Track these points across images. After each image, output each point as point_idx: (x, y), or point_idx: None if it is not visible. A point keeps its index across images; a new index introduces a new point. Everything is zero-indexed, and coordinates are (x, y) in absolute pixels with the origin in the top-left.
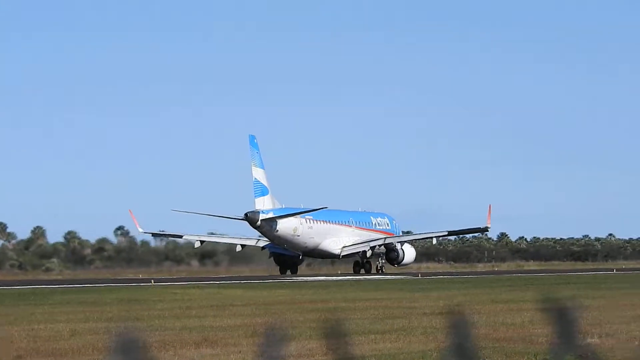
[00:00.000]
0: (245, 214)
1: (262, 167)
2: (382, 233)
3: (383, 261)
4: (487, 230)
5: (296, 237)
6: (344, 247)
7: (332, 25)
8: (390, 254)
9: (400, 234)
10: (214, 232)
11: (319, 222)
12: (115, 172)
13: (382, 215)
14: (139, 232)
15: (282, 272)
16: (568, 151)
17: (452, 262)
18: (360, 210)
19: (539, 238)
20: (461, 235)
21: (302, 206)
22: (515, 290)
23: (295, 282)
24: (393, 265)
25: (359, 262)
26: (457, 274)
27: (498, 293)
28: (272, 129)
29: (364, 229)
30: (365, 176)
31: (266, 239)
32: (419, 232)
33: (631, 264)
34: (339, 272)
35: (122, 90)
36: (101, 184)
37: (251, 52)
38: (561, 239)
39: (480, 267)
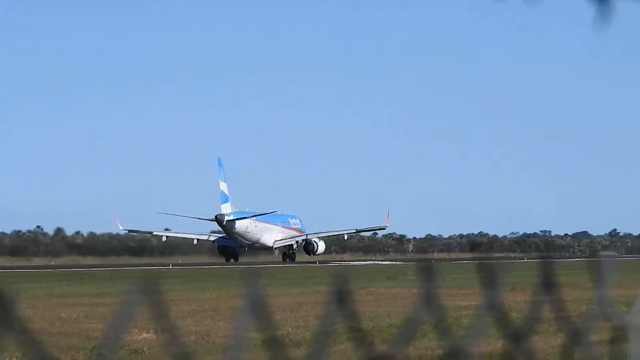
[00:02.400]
0: (215, 216)
1: (225, 181)
2: (296, 231)
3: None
4: (385, 228)
5: (247, 233)
6: (275, 241)
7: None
8: (308, 247)
9: (306, 230)
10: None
11: (260, 223)
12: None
13: (295, 217)
14: (120, 229)
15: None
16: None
17: (8, 256)
18: (279, 213)
19: (95, 233)
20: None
21: (247, 210)
22: (71, 285)
23: None
24: (309, 255)
25: (286, 252)
26: (13, 267)
27: (54, 287)
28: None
29: (285, 227)
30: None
31: (217, 234)
32: (328, 230)
33: (188, 258)
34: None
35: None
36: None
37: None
38: (117, 234)
39: (37, 261)
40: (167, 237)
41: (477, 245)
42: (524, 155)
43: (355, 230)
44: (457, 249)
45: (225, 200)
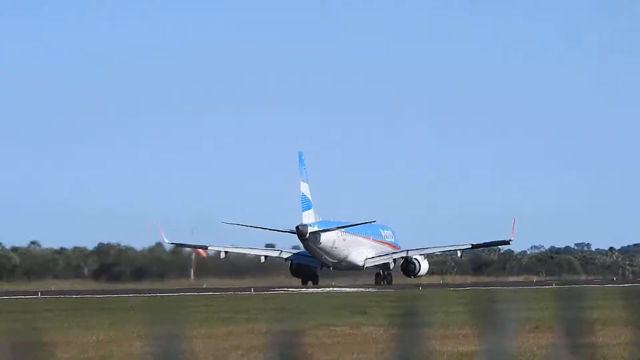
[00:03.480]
0: (297, 227)
1: (307, 182)
2: (390, 246)
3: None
4: (509, 243)
5: (334, 249)
6: (367, 258)
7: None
8: (409, 266)
9: (400, 245)
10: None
11: (348, 235)
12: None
13: (387, 227)
14: (166, 243)
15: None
16: None
17: None
18: (369, 221)
19: None
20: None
21: (332, 219)
22: None
23: None
24: (409, 276)
25: (380, 273)
26: None
27: None
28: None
29: (377, 241)
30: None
31: (289, 251)
32: (436, 245)
33: (65, 284)
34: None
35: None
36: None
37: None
38: None
39: None
40: (226, 252)
41: (483, 264)
42: (549, 143)
43: (470, 246)
44: (455, 270)
45: (308, 206)
